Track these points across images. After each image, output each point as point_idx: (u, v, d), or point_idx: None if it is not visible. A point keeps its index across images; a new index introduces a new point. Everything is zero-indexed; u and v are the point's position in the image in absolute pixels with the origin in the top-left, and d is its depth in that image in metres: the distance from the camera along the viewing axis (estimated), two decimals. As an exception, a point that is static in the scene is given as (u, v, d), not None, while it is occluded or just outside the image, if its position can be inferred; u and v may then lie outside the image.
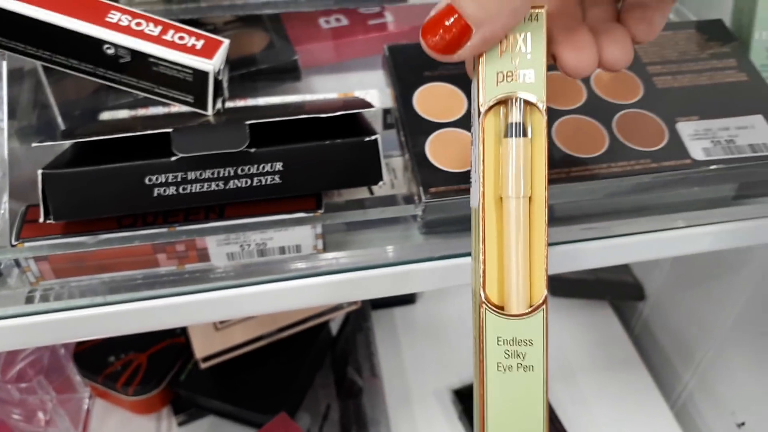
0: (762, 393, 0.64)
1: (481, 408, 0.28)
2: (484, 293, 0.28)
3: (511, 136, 0.27)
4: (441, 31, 0.26)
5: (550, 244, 0.32)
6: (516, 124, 0.27)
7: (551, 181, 0.35)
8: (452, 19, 0.26)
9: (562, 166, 0.39)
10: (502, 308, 0.28)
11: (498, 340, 0.27)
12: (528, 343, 0.27)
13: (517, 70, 0.27)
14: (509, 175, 0.27)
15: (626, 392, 0.76)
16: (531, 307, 0.27)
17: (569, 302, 0.84)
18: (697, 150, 0.40)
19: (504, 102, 0.28)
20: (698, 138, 0.40)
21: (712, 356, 0.71)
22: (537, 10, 0.27)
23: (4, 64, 0.38)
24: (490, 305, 0.27)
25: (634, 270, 0.84)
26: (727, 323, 0.68)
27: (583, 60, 0.29)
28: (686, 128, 0.41)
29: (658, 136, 0.40)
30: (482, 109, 0.27)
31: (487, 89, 0.27)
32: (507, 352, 0.27)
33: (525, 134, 0.27)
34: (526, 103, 0.27)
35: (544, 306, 0.27)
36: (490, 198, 0.28)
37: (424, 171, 0.38)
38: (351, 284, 0.39)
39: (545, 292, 0.27)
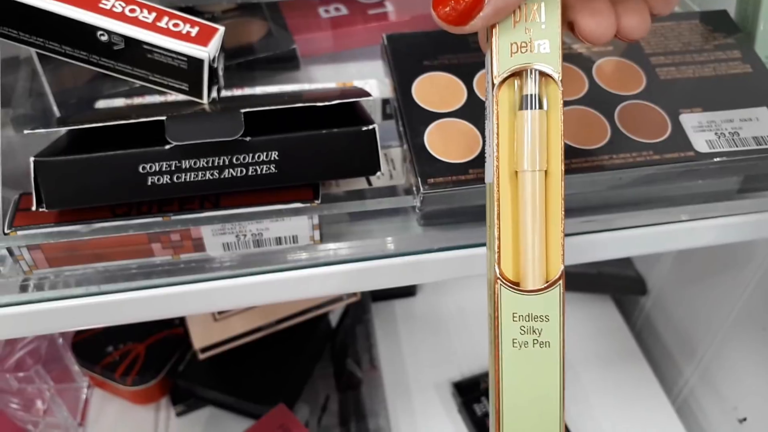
0: (764, 389, 0.64)
1: (496, 385, 0.27)
2: (498, 269, 0.27)
3: (527, 108, 0.27)
4: (452, 1, 0.26)
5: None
6: (531, 96, 0.27)
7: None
8: None
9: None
10: (517, 284, 0.27)
11: (513, 317, 0.27)
12: (544, 318, 0.27)
13: (532, 40, 0.27)
14: (525, 149, 0.27)
15: (627, 387, 0.76)
16: (547, 282, 0.27)
17: (571, 296, 0.84)
18: (700, 142, 0.39)
19: (518, 74, 0.27)
20: (702, 130, 0.40)
21: (714, 351, 0.70)
22: None
23: (-1, 51, 0.37)
24: (505, 281, 0.27)
25: (637, 264, 0.84)
26: (729, 318, 0.67)
27: (602, 25, 0.28)
28: (690, 120, 0.40)
29: (660, 128, 0.40)
30: (496, 82, 0.27)
31: (500, 61, 0.27)
32: (523, 328, 0.27)
33: (540, 106, 0.27)
34: (542, 74, 0.27)
35: (561, 281, 0.27)
36: (504, 172, 0.27)
37: (422, 161, 0.37)
38: (348, 275, 0.38)
39: (562, 266, 0.27)
